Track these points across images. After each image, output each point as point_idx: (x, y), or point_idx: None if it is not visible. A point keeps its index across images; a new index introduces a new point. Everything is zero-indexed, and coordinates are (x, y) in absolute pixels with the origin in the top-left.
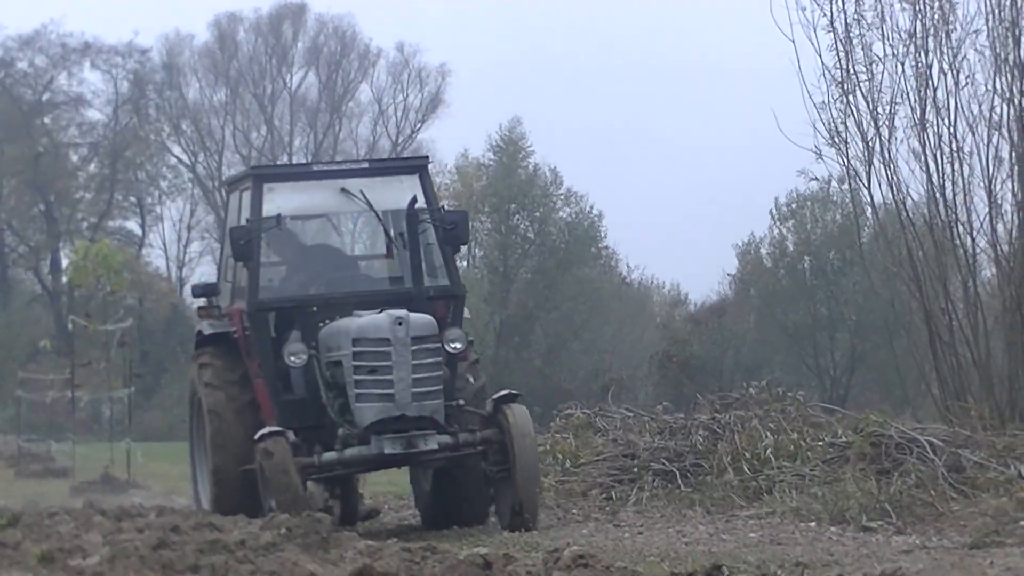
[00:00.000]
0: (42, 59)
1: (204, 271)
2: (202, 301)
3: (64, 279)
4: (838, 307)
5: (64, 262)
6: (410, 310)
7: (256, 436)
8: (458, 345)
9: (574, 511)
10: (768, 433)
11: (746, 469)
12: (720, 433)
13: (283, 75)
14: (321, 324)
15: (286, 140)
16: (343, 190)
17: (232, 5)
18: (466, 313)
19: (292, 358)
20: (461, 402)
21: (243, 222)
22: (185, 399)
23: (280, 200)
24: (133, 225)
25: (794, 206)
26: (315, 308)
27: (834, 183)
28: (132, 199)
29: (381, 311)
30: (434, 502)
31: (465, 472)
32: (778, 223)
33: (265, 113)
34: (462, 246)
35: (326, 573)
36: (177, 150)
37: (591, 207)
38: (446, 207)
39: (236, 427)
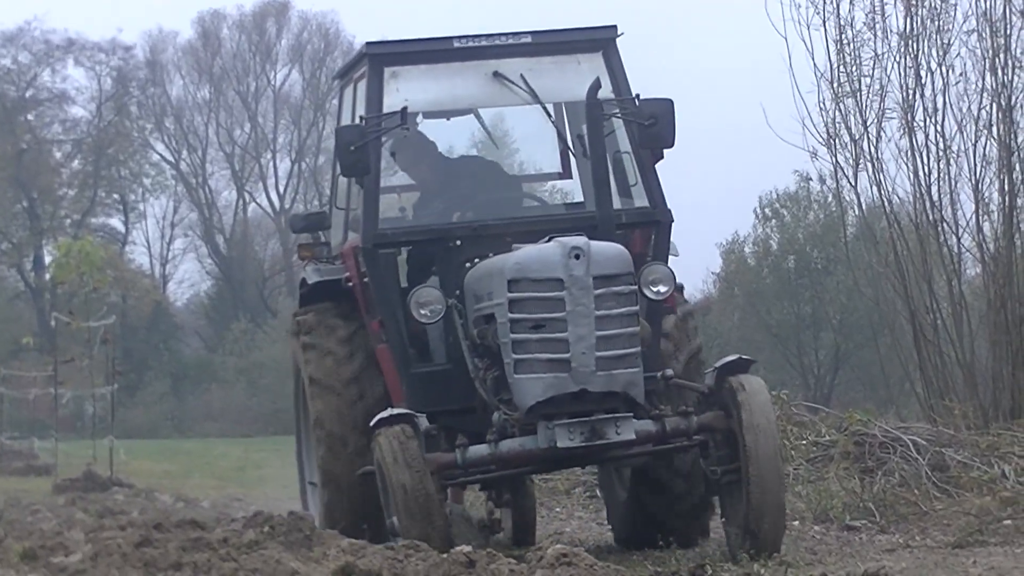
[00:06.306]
0: (25, 56)
1: (187, 268)
2: (305, 238)
3: (47, 276)
4: (822, 306)
5: (47, 259)
6: (593, 239)
7: (373, 422)
8: (663, 289)
9: (558, 509)
10: None
11: None
12: None
13: (267, 72)
14: (468, 265)
15: (270, 137)
16: (496, 75)
17: (216, 2)
18: (675, 249)
19: (422, 311)
20: (669, 372)
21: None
22: (169, 397)
23: (408, 90)
24: (116, 222)
25: (776, 206)
26: (458, 242)
27: (816, 182)
28: (115, 196)
29: (549, 240)
30: (633, 513)
31: (676, 473)
32: (762, 222)
33: (249, 110)
34: (667, 150)
35: (309, 571)
36: (160, 147)
37: None
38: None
39: (351, 411)
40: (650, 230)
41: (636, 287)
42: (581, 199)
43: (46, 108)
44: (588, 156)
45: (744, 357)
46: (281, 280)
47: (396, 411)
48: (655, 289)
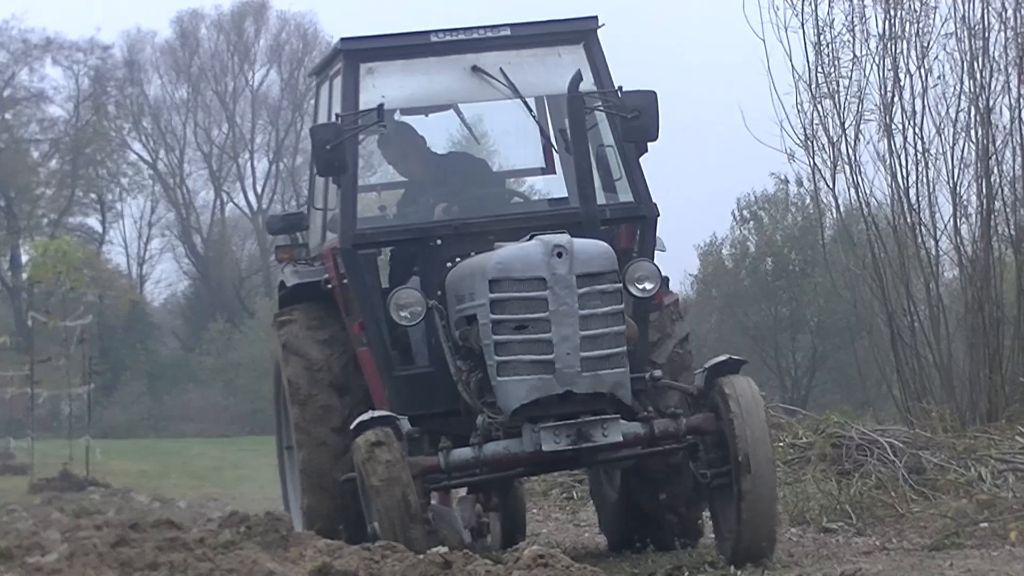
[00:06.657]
0: (3, 54)
1: (164, 268)
2: (283, 239)
3: (24, 275)
4: (800, 308)
5: (24, 258)
6: (578, 236)
7: (353, 425)
8: (648, 286)
9: (535, 511)
10: None
11: None
12: None
13: (245, 72)
14: (449, 264)
15: (248, 137)
16: (475, 69)
17: (194, 2)
18: (661, 244)
19: (402, 313)
20: (657, 373)
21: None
22: (146, 397)
23: (385, 86)
24: (93, 222)
25: (755, 208)
26: (439, 241)
27: (794, 185)
28: (93, 196)
29: (531, 238)
30: (622, 518)
31: (664, 476)
32: (740, 224)
33: (227, 110)
34: (650, 143)
35: (285, 571)
36: (138, 147)
37: None
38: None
39: (332, 415)
40: (635, 225)
41: (621, 285)
42: (565, 195)
43: (24, 107)
44: (570, 151)
45: (734, 358)
46: (258, 280)
47: (377, 414)
48: (641, 286)
